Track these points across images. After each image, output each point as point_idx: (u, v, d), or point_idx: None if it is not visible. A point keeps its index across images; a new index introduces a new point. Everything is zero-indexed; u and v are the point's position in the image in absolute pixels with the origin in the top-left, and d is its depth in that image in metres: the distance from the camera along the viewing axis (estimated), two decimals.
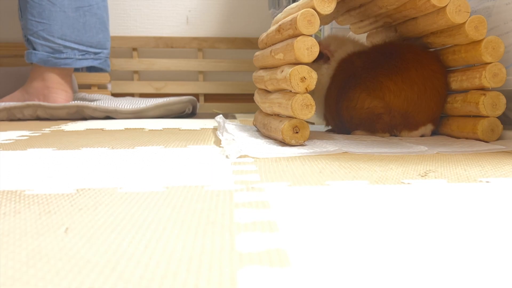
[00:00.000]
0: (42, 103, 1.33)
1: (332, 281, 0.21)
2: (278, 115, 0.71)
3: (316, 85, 0.63)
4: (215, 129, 0.96)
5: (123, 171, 0.48)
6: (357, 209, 0.33)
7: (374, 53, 0.80)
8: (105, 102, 1.39)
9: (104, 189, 0.40)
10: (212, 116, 1.47)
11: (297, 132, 0.63)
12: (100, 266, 0.23)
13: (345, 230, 0.29)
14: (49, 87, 1.39)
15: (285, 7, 0.93)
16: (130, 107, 1.36)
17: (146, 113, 1.37)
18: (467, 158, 0.56)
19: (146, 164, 0.53)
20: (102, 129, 0.99)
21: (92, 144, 0.71)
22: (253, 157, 0.56)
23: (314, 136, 0.76)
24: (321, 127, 0.93)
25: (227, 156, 0.57)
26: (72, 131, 0.96)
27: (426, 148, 0.62)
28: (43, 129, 1.00)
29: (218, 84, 1.92)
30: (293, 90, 0.63)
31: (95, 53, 1.42)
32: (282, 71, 0.65)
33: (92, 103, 1.36)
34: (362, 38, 0.98)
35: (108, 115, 1.36)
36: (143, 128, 1.00)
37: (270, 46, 0.73)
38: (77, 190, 0.40)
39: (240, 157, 0.57)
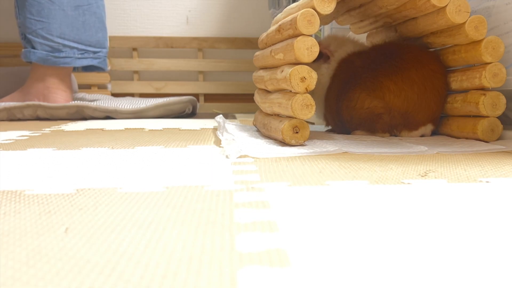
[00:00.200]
0: (42, 103, 1.33)
1: (332, 281, 0.21)
2: (278, 115, 0.71)
3: (316, 85, 0.63)
4: (215, 129, 0.96)
5: (123, 171, 0.48)
6: (357, 209, 0.33)
7: (374, 53, 0.80)
8: (105, 102, 1.39)
9: (104, 189, 0.40)
10: (212, 116, 1.47)
11: (297, 132, 0.63)
12: (100, 266, 0.23)
13: (345, 230, 0.29)
14: (49, 87, 1.38)
15: (285, 7, 0.93)
16: (130, 107, 1.36)
17: (146, 113, 1.37)
18: (467, 158, 0.56)
19: (146, 164, 0.53)
20: (102, 129, 0.99)
21: (92, 144, 0.71)
22: (253, 157, 0.56)
23: (314, 136, 0.76)
24: (321, 127, 0.93)
25: (227, 156, 0.57)
26: (72, 131, 0.96)
27: (426, 148, 0.62)
28: (43, 129, 1.00)
29: (218, 84, 1.92)
30: (293, 90, 0.63)
31: (94, 52, 1.42)
32: (282, 71, 0.65)
33: (92, 103, 1.36)
34: (362, 38, 0.98)
35: (108, 115, 1.36)
36: (143, 128, 1.00)
37: (270, 46, 0.73)
38: (77, 190, 0.40)
39: (240, 157, 0.57)
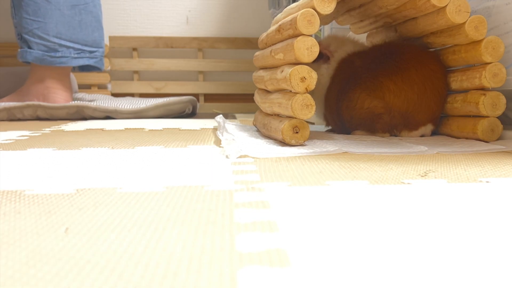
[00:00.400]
0: (42, 103, 1.33)
1: (332, 281, 0.21)
2: (278, 115, 0.71)
3: (316, 85, 0.63)
4: (215, 129, 0.96)
5: (123, 171, 0.48)
6: (357, 209, 0.33)
7: (374, 53, 0.80)
8: (105, 102, 1.39)
9: (104, 189, 0.40)
10: (212, 116, 1.47)
11: (297, 132, 0.63)
12: (100, 266, 0.23)
13: (345, 230, 0.29)
14: (48, 87, 1.38)
15: (285, 7, 0.93)
16: (130, 107, 1.36)
17: (146, 113, 1.37)
18: (467, 158, 0.56)
19: (146, 164, 0.53)
20: (102, 129, 0.99)
21: (92, 144, 0.71)
22: (253, 157, 0.56)
23: (314, 136, 0.76)
24: (321, 127, 0.93)
25: (227, 156, 0.57)
26: (72, 131, 0.96)
27: (426, 148, 0.62)
28: (43, 129, 1.00)
29: (218, 84, 1.92)
30: (293, 90, 0.63)
31: (91, 52, 1.41)
32: (282, 71, 0.65)
33: (92, 103, 1.36)
34: (362, 38, 0.98)
35: (108, 115, 1.36)
36: (143, 128, 1.00)
37: (270, 46, 0.73)
38: (77, 190, 0.40)
39: (240, 157, 0.57)
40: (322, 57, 0.83)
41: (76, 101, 1.41)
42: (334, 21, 0.96)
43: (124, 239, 0.27)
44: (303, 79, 0.62)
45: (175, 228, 0.29)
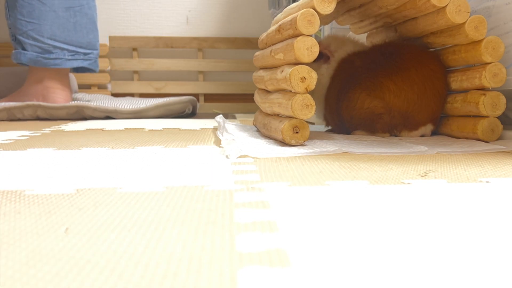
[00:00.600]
0: (42, 103, 1.33)
1: (332, 281, 0.21)
2: (278, 115, 0.71)
3: (316, 85, 0.63)
4: (215, 129, 0.96)
5: (123, 171, 0.48)
6: (357, 209, 0.33)
7: (374, 53, 0.80)
8: (105, 102, 1.39)
9: (104, 189, 0.40)
10: (212, 116, 1.47)
11: (297, 132, 0.63)
12: (100, 266, 0.23)
13: (345, 230, 0.29)
14: (47, 88, 1.38)
15: (285, 7, 0.93)
16: (130, 107, 1.36)
17: (146, 113, 1.37)
18: (467, 158, 0.56)
19: (146, 164, 0.53)
20: (102, 129, 0.99)
21: (92, 144, 0.71)
22: (253, 157, 0.56)
23: (314, 136, 0.76)
24: (321, 127, 0.93)
25: (227, 156, 0.57)
26: (72, 131, 0.96)
27: (426, 148, 0.62)
28: (43, 129, 1.00)
29: (218, 84, 1.92)
30: (293, 90, 0.63)
31: (85, 54, 1.41)
32: (282, 71, 0.65)
33: (92, 103, 1.36)
34: (362, 38, 0.98)
35: (108, 115, 1.36)
36: (143, 128, 1.00)
37: (270, 46, 0.73)
38: (77, 190, 0.40)
39: (240, 157, 0.57)
40: (322, 57, 0.83)
41: (76, 101, 1.41)
42: (334, 21, 0.96)
43: (124, 239, 0.27)
44: (303, 79, 0.62)
45: (175, 228, 0.29)
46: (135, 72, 1.90)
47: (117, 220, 0.31)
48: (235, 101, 1.94)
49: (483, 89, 0.70)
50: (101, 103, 1.37)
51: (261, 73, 0.78)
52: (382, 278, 0.22)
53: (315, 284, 0.21)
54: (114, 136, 0.85)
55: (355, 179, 0.44)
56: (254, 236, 0.27)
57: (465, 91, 0.73)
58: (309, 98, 0.62)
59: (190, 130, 0.96)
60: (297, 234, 0.28)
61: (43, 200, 0.36)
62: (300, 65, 0.62)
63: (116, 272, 0.22)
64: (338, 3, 0.68)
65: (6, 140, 0.79)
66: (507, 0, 0.73)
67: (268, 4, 1.57)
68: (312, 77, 0.62)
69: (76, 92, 1.66)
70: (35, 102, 1.33)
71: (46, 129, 1.02)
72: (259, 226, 0.29)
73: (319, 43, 0.81)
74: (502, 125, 0.69)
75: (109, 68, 1.88)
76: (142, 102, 1.40)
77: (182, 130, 0.96)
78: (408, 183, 0.42)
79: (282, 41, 0.68)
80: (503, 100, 0.68)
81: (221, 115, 0.94)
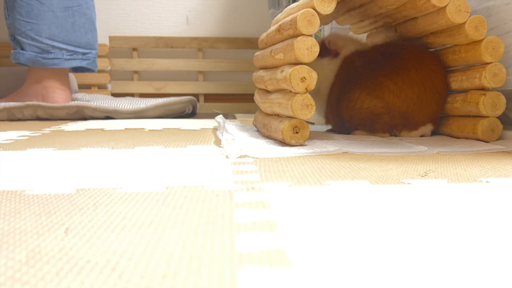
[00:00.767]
0: (42, 103, 1.33)
1: (332, 281, 0.21)
2: (278, 115, 0.71)
3: (322, 82, 0.63)
4: (215, 129, 0.96)
5: (123, 171, 0.48)
6: (357, 209, 0.33)
7: (374, 53, 0.80)
8: (105, 102, 1.39)
9: (104, 189, 0.40)
10: (212, 116, 1.47)
11: (297, 132, 0.63)
12: (100, 266, 0.23)
13: (345, 230, 0.29)
14: (47, 87, 1.38)
15: (285, 7, 0.93)
16: (130, 107, 1.36)
17: (146, 113, 1.37)
18: (467, 158, 0.56)
19: (146, 164, 0.53)
20: (102, 129, 0.99)
21: (92, 144, 0.71)
22: (253, 157, 0.56)
23: (314, 136, 0.76)
24: (321, 127, 0.93)
25: (227, 156, 0.57)
26: (72, 131, 0.96)
27: (426, 148, 0.62)
28: (43, 129, 1.00)
29: (218, 84, 1.92)
30: (293, 90, 0.63)
31: (84, 54, 1.41)
32: (282, 71, 0.65)
33: (92, 103, 1.36)
34: (362, 38, 0.98)
35: (108, 115, 1.36)
36: (143, 128, 1.00)
37: (270, 46, 0.73)
38: (77, 190, 0.40)
39: (240, 157, 0.57)
40: (330, 53, 0.83)
41: (76, 101, 1.41)
42: (334, 21, 0.96)
43: (124, 239, 0.27)
44: (303, 79, 0.62)
45: (175, 228, 0.29)
46: (135, 72, 1.90)
47: (117, 220, 0.31)
48: (235, 101, 1.94)
49: (483, 89, 0.70)
50: (101, 103, 1.37)
51: (261, 73, 0.78)
52: (382, 278, 0.22)
53: (315, 284, 0.21)
54: (114, 136, 0.85)
55: (355, 179, 0.44)
56: (254, 236, 0.27)
57: (465, 91, 0.73)
58: (309, 98, 0.62)
59: (190, 130, 0.95)
60: (297, 234, 0.28)
61: (43, 200, 0.36)
62: (300, 65, 0.62)
63: (116, 272, 0.22)
64: (338, 3, 0.68)
65: (6, 140, 0.79)
66: (507, 0, 0.73)
67: (268, 4, 1.57)
68: (312, 77, 0.62)
69: (76, 92, 1.66)
70: (35, 102, 1.33)
71: (46, 129, 1.02)
72: (259, 226, 0.29)
73: (329, 39, 0.81)
74: (502, 125, 0.69)
75: (109, 68, 1.88)
76: (142, 102, 1.40)
77: (182, 130, 0.96)
78: (408, 183, 0.42)
79: (282, 41, 0.68)
80: (503, 100, 0.68)
81: (221, 115, 0.94)
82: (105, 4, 1.88)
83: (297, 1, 0.71)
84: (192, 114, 1.50)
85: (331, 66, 0.83)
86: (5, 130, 0.98)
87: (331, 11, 0.63)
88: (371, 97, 0.75)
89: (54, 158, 0.58)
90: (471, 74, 0.71)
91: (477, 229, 0.29)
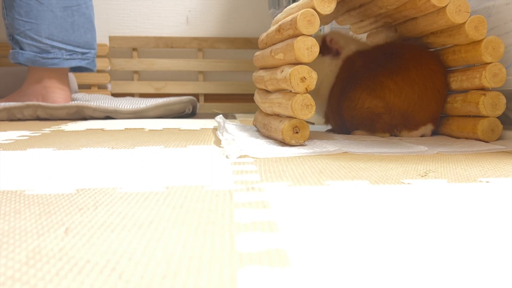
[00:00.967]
0: (42, 103, 1.33)
1: (332, 281, 0.21)
2: (278, 115, 0.71)
3: (323, 82, 0.63)
4: (215, 129, 0.96)
5: (123, 171, 0.48)
6: (357, 209, 0.33)
7: (375, 53, 0.80)
8: (105, 102, 1.39)
9: (104, 189, 0.40)
10: (212, 116, 1.47)
11: (297, 132, 0.63)
12: (100, 266, 0.23)
13: (345, 230, 0.29)
14: (47, 87, 1.38)
15: (285, 7, 0.93)
16: (130, 107, 1.36)
17: (146, 113, 1.37)
18: (467, 158, 0.56)
19: (146, 164, 0.53)
20: (102, 129, 0.99)
21: (92, 144, 0.71)
22: (253, 157, 0.56)
23: (314, 136, 0.76)
24: (321, 127, 0.93)
25: (227, 156, 0.57)
26: (72, 131, 0.96)
27: (426, 148, 0.62)
28: (43, 129, 1.00)
29: (218, 84, 1.92)
30: (293, 90, 0.63)
31: (83, 53, 1.41)
32: (282, 71, 0.65)
33: (92, 103, 1.36)
34: (362, 38, 0.98)
35: (108, 115, 1.36)
36: (143, 128, 1.00)
37: (270, 46, 0.73)
38: (77, 190, 0.40)
39: (240, 157, 0.57)
40: (330, 52, 0.83)
41: (76, 101, 1.41)
42: (334, 21, 0.96)
43: (124, 239, 0.27)
44: (303, 79, 0.62)
45: (175, 228, 0.29)
46: (135, 72, 1.90)
47: (117, 220, 0.31)
48: (235, 101, 1.94)
49: (483, 89, 0.70)
50: (101, 103, 1.37)
51: (261, 73, 0.78)
52: (382, 278, 0.22)
53: (315, 284, 0.21)
54: (114, 136, 0.85)
55: (355, 179, 0.44)
56: (254, 236, 0.27)
57: (465, 91, 0.73)
58: (309, 98, 0.62)
59: (190, 130, 0.95)
60: (297, 234, 0.28)
61: (43, 200, 0.36)
62: (300, 65, 0.62)
63: (116, 272, 0.22)
64: (338, 3, 0.68)
65: (6, 140, 0.79)
66: (507, 0, 0.73)
67: (268, 4, 1.57)
68: (312, 77, 0.62)
69: (76, 92, 1.66)
70: (35, 102, 1.33)
71: (46, 129, 1.02)
72: (259, 226, 0.29)
73: (330, 38, 0.81)
74: (502, 125, 0.69)
75: (109, 68, 1.88)
76: (142, 102, 1.40)
77: (182, 130, 0.96)
78: (408, 183, 0.42)
79: (282, 41, 0.68)
80: (503, 100, 0.68)
81: (221, 115, 0.94)
82: (105, 4, 1.88)
83: (297, 1, 0.71)
84: (192, 114, 1.50)
85: (332, 66, 0.83)
86: (5, 130, 0.98)
87: (331, 11, 0.63)
88: (371, 97, 0.75)
89: (54, 158, 0.58)
90: (471, 74, 0.71)
91: (477, 229, 0.29)
